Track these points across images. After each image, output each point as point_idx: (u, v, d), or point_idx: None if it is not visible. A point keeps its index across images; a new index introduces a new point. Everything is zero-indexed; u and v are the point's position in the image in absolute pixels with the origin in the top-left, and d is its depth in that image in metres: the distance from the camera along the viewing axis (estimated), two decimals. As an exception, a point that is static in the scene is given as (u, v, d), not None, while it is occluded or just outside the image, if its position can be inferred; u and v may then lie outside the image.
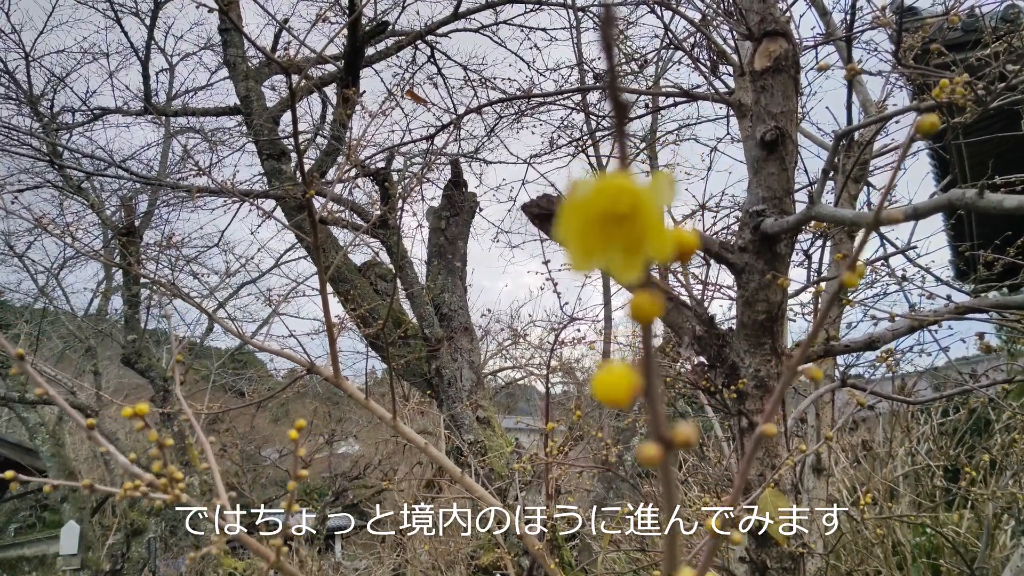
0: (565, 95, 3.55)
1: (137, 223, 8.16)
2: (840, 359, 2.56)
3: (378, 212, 4.35)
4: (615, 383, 0.22)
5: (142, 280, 7.28)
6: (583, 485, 5.43)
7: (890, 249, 2.39)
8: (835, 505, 3.16)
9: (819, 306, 1.96)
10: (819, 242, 2.10)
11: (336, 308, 5.46)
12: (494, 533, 2.26)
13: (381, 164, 5.39)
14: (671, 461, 0.24)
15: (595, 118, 4.27)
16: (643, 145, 6.22)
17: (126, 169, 7.01)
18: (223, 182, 4.62)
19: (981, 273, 3.24)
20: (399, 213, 4.52)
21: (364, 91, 5.85)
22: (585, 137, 4.70)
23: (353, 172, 5.08)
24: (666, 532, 0.27)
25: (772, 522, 1.18)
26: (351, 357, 10.11)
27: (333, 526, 13.52)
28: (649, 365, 0.22)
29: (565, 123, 4.62)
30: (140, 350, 8.46)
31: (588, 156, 5.40)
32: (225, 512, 0.76)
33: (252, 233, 11.79)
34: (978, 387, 1.82)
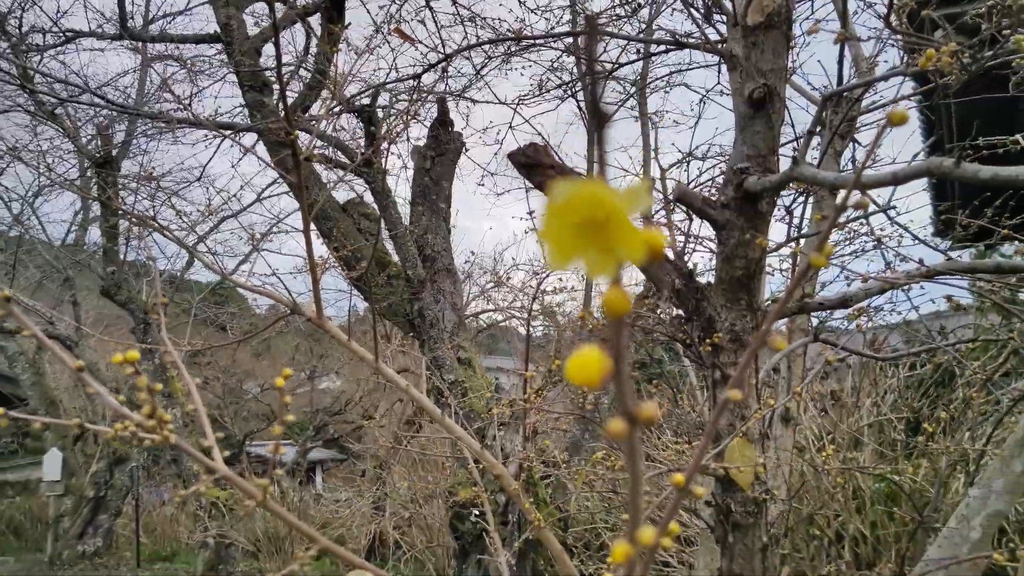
0: (556, 38, 3.48)
1: (114, 153, 7.96)
2: (814, 313, 2.62)
3: (365, 152, 4.28)
4: (587, 366, 0.24)
5: (120, 212, 7.15)
6: (559, 426, 5.57)
7: (870, 207, 2.42)
8: (802, 452, 3.29)
9: (797, 264, 2.00)
10: (801, 198, 2.13)
11: (319, 247, 5.43)
12: (472, 471, 2.34)
13: (366, 101, 5.27)
14: (636, 436, 0.27)
15: (584, 61, 4.18)
16: (633, 90, 6.14)
17: (102, 96, 6.79)
18: (207, 117, 4.50)
19: (958, 233, 3.29)
20: (386, 154, 4.45)
21: (349, 23, 5.66)
22: (575, 81, 4.63)
23: (338, 109, 4.97)
24: (630, 500, 0.29)
25: (739, 470, 1.24)
26: (333, 295, 10.10)
27: (314, 458, 13.81)
28: (619, 352, 0.24)
29: (555, 65, 4.54)
30: (119, 282, 8.39)
31: (577, 101, 5.33)
32: (212, 452, 0.79)
33: (233, 167, 11.57)
34: (945, 345, 1.88)
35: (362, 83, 5.28)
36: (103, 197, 6.86)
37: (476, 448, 2.09)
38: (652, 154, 6.29)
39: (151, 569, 9.16)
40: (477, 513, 4.70)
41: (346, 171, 4.28)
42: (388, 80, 4.12)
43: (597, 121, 0.21)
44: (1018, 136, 2.06)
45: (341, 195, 6.50)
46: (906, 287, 2.00)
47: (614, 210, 0.20)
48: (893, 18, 1.24)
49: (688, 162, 4.06)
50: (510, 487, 2.02)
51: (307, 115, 5.64)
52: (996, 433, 2.04)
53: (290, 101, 6.01)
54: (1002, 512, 1.28)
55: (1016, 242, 2.79)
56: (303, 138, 5.15)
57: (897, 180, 1.01)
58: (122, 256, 8.60)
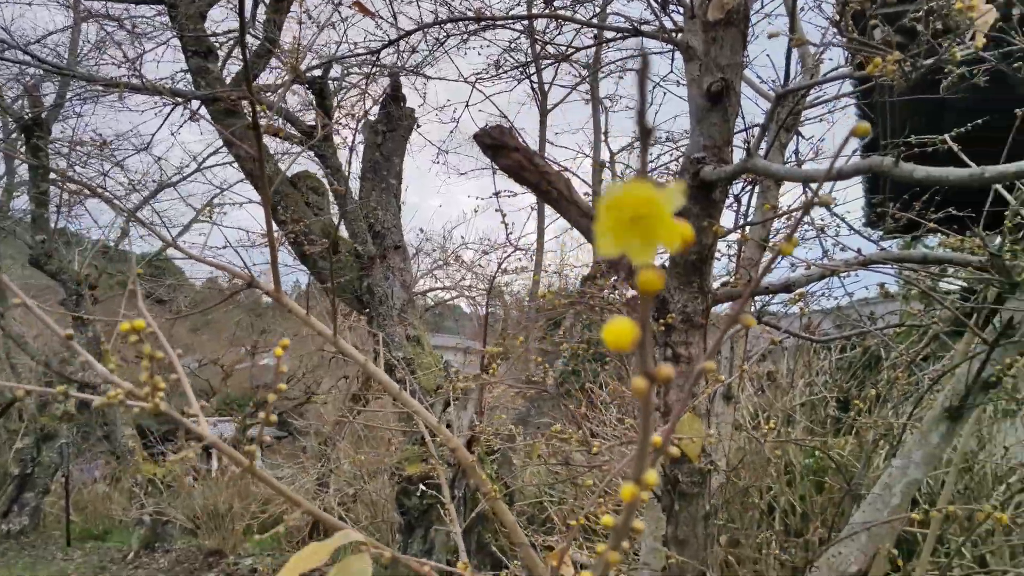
0: (513, 20, 3.50)
1: (44, 115, 7.56)
2: (756, 297, 2.76)
3: (326, 126, 4.21)
4: (622, 334, 0.29)
5: (57, 178, 6.82)
6: (508, 403, 5.67)
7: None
8: (739, 429, 3.46)
9: (743, 249, 2.10)
10: (749, 187, 2.24)
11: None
12: (428, 445, 2.38)
13: (318, 72, 5.18)
14: (652, 392, 0.32)
15: (540, 44, 4.22)
16: (586, 74, 6.20)
17: (30, 54, 6.44)
18: (160, 83, 4.33)
19: (889, 224, 3.50)
20: (354, 131, 4.38)
21: (301, -10, 5.51)
22: (530, 62, 4.65)
23: (289, 78, 4.87)
24: (639, 449, 0.35)
25: (690, 442, 1.33)
26: (277, 270, 9.88)
27: (254, 435, 13.60)
28: (644, 323, 0.29)
29: (512, 46, 4.55)
30: (49, 251, 8.04)
31: (532, 82, 5.37)
32: (199, 420, 0.82)
33: (173, 134, 11.13)
34: (874, 329, 2.02)
35: (315, 55, 5.18)
36: (40, 161, 6.51)
37: (433, 422, 2.13)
38: (603, 137, 6.39)
39: (82, 548, 8.89)
40: (425, 488, 4.77)
41: (306, 146, 4.21)
42: (345, 55, 4.06)
43: (641, 136, 0.26)
44: (946, 136, 2.20)
45: (286, 165, 6.37)
46: (842, 274, 2.13)
47: (656, 207, 0.25)
48: (842, 22, 1.34)
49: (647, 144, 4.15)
50: (465, 459, 2.08)
51: (252, 84, 5.49)
52: (916, 411, 2.21)
53: (237, 69, 5.85)
54: (919, 480, 1.42)
55: (940, 235, 2.97)
56: (263, 115, 5.02)
57: (841, 176, 1.10)
58: (53, 224, 8.23)
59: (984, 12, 1.51)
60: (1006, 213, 1.58)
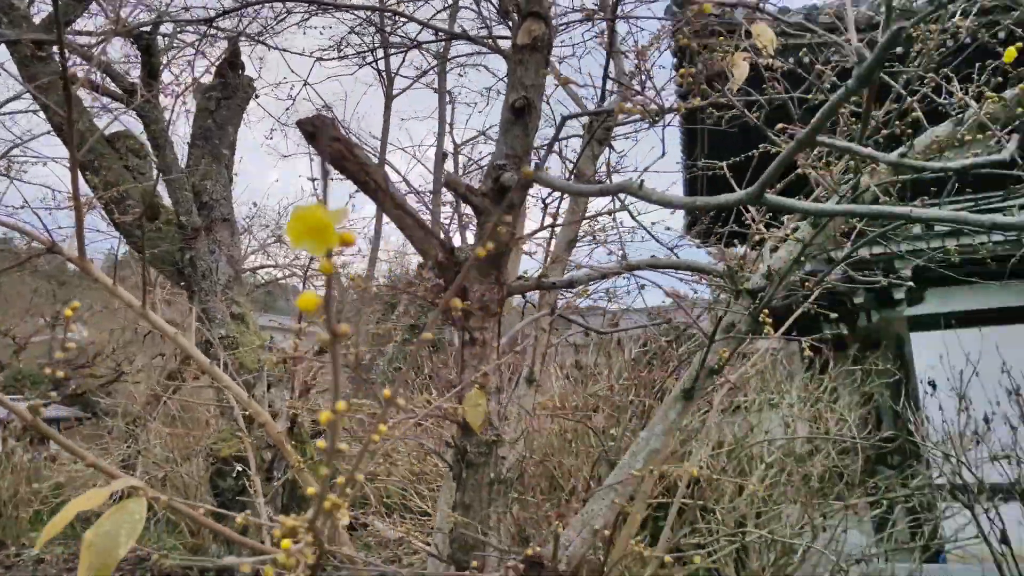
0: (354, 9, 3.53)
1: None
2: (565, 292, 3.05)
3: (152, 88, 3.96)
4: (310, 301, 0.44)
5: None
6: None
7: (617, 204, 2.86)
8: (547, 410, 3.79)
9: (550, 249, 2.35)
10: (557, 194, 2.49)
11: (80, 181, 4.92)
12: (239, 424, 2.41)
13: (147, 29, 4.83)
14: (339, 345, 0.47)
15: (387, 32, 4.28)
16: (434, 63, 6.31)
17: None
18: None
19: (700, 228, 3.99)
20: (181, 94, 4.15)
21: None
22: (376, 47, 4.69)
23: (110, 29, 4.51)
24: (331, 386, 0.49)
25: (472, 414, 1.51)
26: (88, 235, 9.04)
27: (51, 416, 12.29)
28: (329, 295, 0.44)
29: (357, 30, 4.56)
30: None
31: (377, 68, 5.39)
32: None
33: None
34: (651, 325, 2.35)
35: (143, 6, 4.84)
36: None
37: (243, 397, 2.17)
38: (448, 129, 6.55)
39: None
40: (241, 468, 4.67)
41: (128, 107, 3.93)
42: (180, 17, 3.85)
43: (323, 175, 0.40)
44: (723, 163, 2.61)
45: (102, 121, 5.88)
46: (640, 274, 2.45)
47: (324, 223, 0.40)
48: (612, 70, 1.58)
49: (481, 141, 4.37)
50: (274, 432, 2.14)
51: (62, 29, 5.01)
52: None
53: (49, 9, 5.31)
54: (658, 449, 1.72)
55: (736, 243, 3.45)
56: (78, 68, 4.62)
57: (604, 192, 1.32)
58: None
59: (740, 67, 1.84)
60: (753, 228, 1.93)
